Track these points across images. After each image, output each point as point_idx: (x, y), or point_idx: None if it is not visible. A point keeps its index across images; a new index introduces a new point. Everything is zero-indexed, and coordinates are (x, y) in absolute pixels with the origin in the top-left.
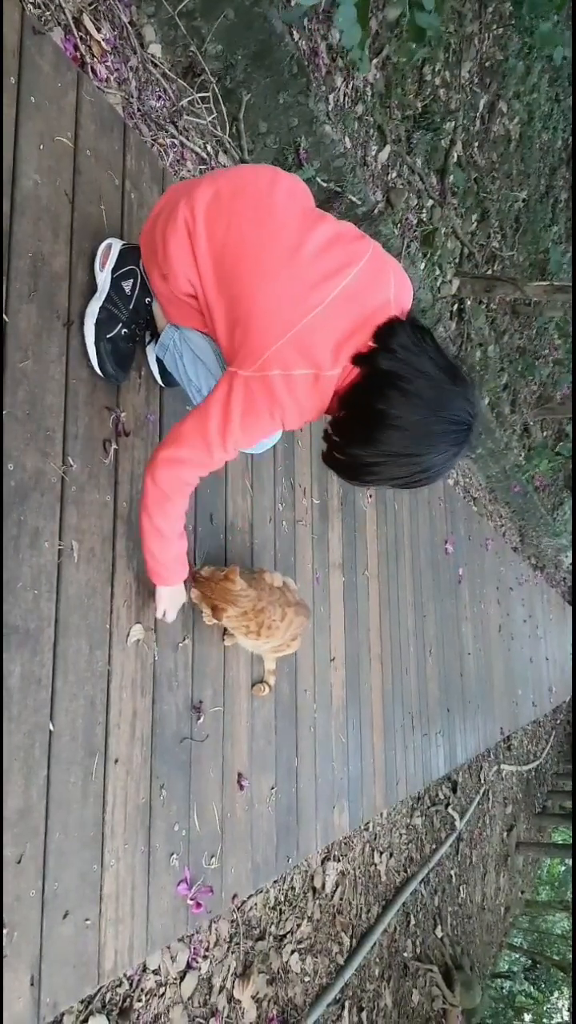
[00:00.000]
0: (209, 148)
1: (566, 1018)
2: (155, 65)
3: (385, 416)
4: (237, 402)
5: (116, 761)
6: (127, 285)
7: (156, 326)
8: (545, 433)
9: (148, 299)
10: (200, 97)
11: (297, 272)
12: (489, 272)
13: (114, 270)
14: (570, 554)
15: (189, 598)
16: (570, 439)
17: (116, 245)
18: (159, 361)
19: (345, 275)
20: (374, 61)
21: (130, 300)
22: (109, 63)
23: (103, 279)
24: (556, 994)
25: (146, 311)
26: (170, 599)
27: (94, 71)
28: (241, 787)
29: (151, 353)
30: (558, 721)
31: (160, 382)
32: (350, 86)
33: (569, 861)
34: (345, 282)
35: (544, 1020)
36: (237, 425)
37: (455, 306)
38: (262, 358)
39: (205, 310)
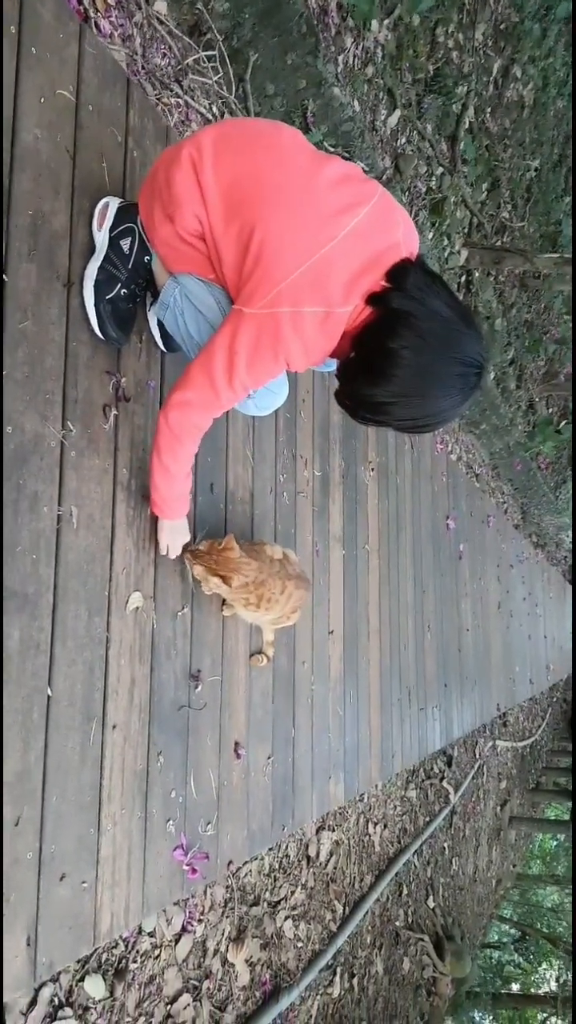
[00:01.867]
0: (215, 109)
1: (553, 988)
2: (160, 22)
3: (397, 355)
4: (242, 342)
5: (114, 727)
6: (125, 244)
7: (156, 286)
8: (550, 410)
9: (147, 257)
10: (206, 56)
11: (312, 203)
12: (498, 243)
13: (111, 228)
14: (572, 533)
15: (192, 574)
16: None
17: (113, 204)
18: (160, 325)
19: (357, 212)
20: (385, 21)
21: (129, 259)
22: (113, 18)
23: (101, 239)
24: (544, 965)
25: (145, 270)
26: (171, 533)
27: (98, 26)
28: (238, 756)
29: (152, 317)
30: (554, 699)
31: (161, 347)
32: (360, 47)
33: (561, 836)
34: (357, 219)
35: (532, 989)
36: (243, 365)
37: (463, 277)
38: (273, 292)
39: (212, 246)
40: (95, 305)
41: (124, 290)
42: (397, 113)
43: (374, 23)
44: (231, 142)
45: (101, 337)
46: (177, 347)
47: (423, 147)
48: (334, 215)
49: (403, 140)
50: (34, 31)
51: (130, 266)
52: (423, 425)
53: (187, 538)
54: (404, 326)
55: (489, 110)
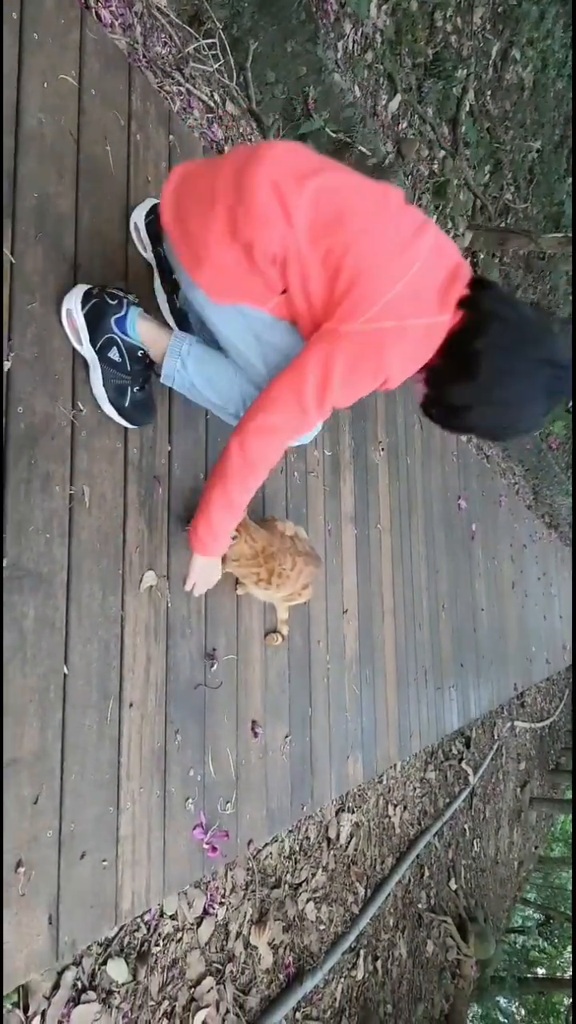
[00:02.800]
0: (216, 97)
1: None
2: (160, 12)
3: (485, 354)
4: (341, 360)
5: (131, 705)
6: (114, 354)
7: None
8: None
9: (140, 351)
10: (206, 44)
11: (392, 223)
12: (502, 224)
13: (93, 343)
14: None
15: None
16: None
17: (76, 310)
18: (169, 303)
19: (428, 232)
20: (383, 7)
21: (124, 364)
22: (113, 7)
23: (88, 354)
24: (568, 948)
25: (140, 360)
26: (204, 572)
27: (98, 16)
28: (255, 735)
29: (160, 296)
30: (572, 679)
31: (174, 326)
32: (359, 33)
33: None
34: (430, 238)
35: (557, 974)
36: (338, 383)
37: (468, 259)
38: (377, 306)
39: (295, 265)
40: (120, 414)
41: (135, 387)
42: (398, 98)
43: (372, 8)
44: (300, 162)
45: (136, 427)
46: (191, 329)
47: (424, 131)
48: (414, 234)
49: (404, 124)
50: (36, 16)
51: (129, 369)
52: (510, 430)
53: (218, 577)
54: (494, 325)
55: (489, 93)
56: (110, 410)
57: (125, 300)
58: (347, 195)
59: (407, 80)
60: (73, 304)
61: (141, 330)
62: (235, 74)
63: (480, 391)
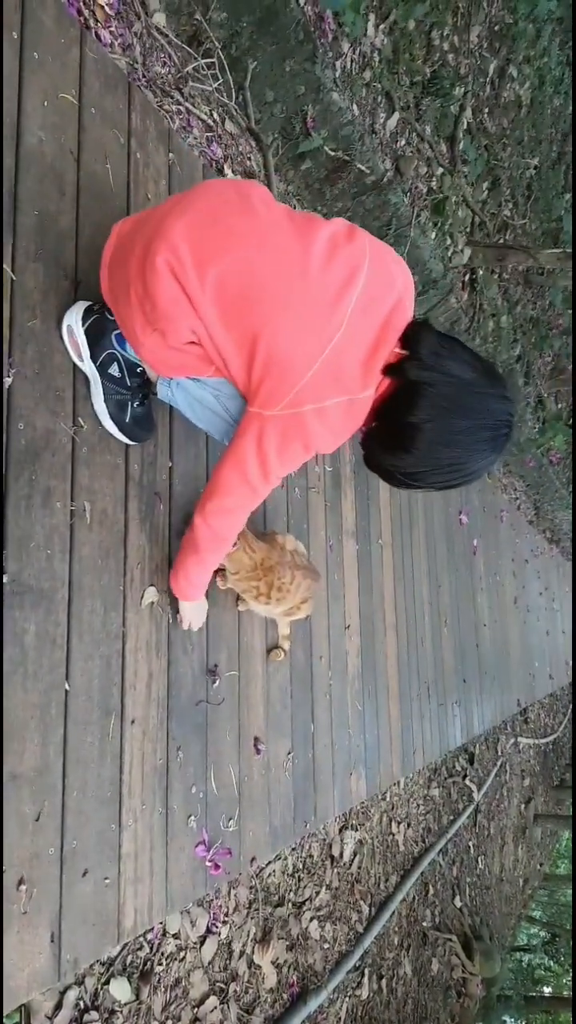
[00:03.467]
0: (215, 115)
1: None
2: (160, 33)
3: (417, 429)
4: (270, 442)
5: (133, 722)
6: (115, 370)
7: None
8: (560, 405)
9: (140, 367)
10: (205, 64)
11: (310, 292)
12: (501, 241)
13: (94, 359)
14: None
15: None
16: None
17: (76, 327)
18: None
19: (356, 283)
20: (381, 26)
21: (124, 380)
22: (113, 28)
23: (88, 370)
24: None
25: (140, 375)
26: (194, 611)
27: (98, 36)
28: (258, 751)
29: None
30: (573, 695)
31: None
32: (357, 52)
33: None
34: (358, 292)
35: (564, 992)
36: (275, 463)
37: (467, 276)
38: (291, 394)
39: (212, 351)
40: (120, 430)
41: (135, 403)
42: (396, 116)
43: (370, 28)
44: (206, 239)
45: (137, 444)
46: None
47: (423, 148)
48: (335, 299)
49: (403, 142)
50: (36, 36)
51: (129, 384)
52: (458, 484)
53: (206, 607)
54: (423, 398)
55: (487, 110)
56: (111, 426)
57: None
58: (257, 272)
59: (405, 98)
60: (74, 320)
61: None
62: (234, 93)
63: (416, 461)
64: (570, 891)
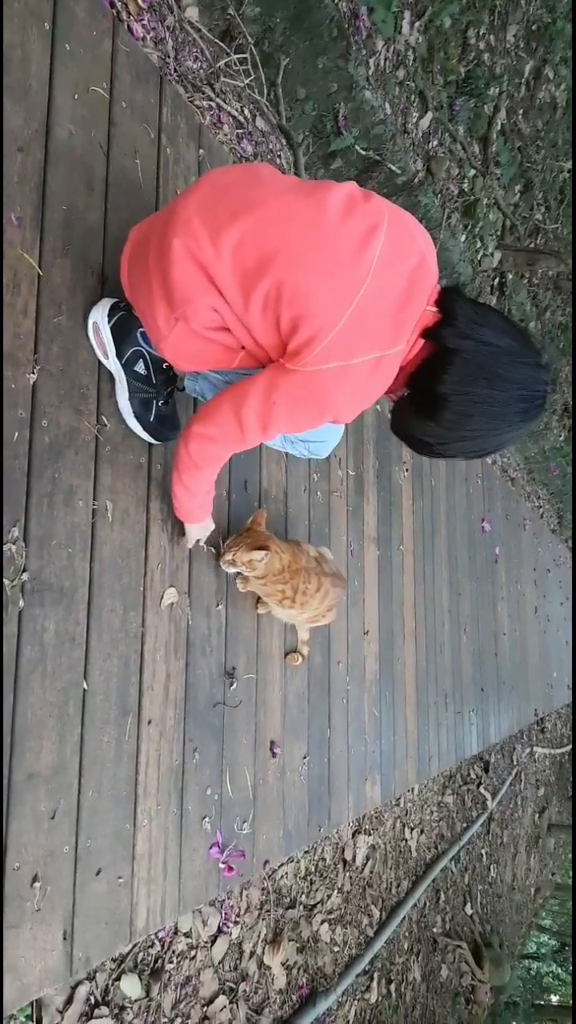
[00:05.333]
0: (247, 112)
1: None
2: (192, 27)
3: (448, 399)
4: (284, 395)
5: (150, 722)
6: (140, 367)
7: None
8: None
9: (166, 364)
10: (238, 59)
11: (330, 243)
12: (532, 245)
13: (119, 356)
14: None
15: (232, 568)
16: None
17: (103, 323)
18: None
19: (377, 236)
20: (416, 24)
21: (150, 378)
22: (145, 22)
23: (114, 368)
24: None
25: (165, 372)
26: (199, 531)
27: (130, 29)
28: (274, 755)
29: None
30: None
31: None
32: (391, 50)
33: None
34: (380, 244)
35: (571, 1001)
36: (282, 416)
37: (496, 280)
38: (318, 348)
39: (237, 325)
40: (145, 429)
41: (160, 402)
42: (429, 115)
43: (404, 26)
44: (218, 211)
45: (161, 444)
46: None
47: (455, 149)
48: (357, 249)
49: (435, 142)
50: (68, 28)
51: (154, 382)
52: (488, 452)
53: (212, 527)
54: (456, 367)
55: (521, 111)
56: (135, 424)
57: None
58: (272, 232)
59: (438, 98)
60: (100, 317)
61: None
62: (266, 90)
63: (444, 431)
64: None
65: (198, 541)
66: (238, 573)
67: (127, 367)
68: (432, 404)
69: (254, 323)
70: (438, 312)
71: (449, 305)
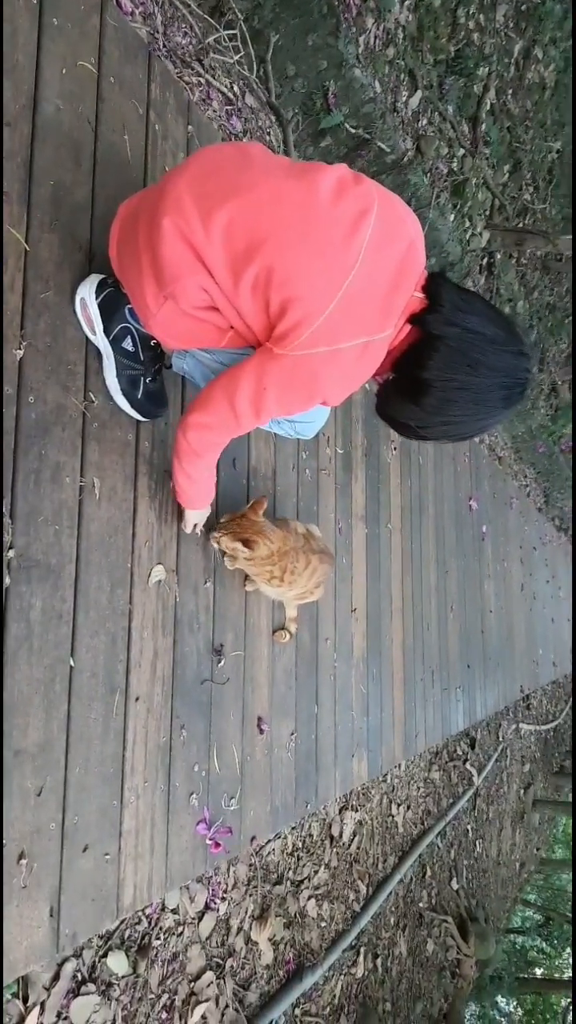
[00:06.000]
0: (236, 88)
1: None
2: (181, 2)
3: (432, 385)
4: (273, 380)
5: (137, 699)
6: (128, 343)
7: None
8: (573, 393)
9: (153, 340)
10: (227, 35)
11: (321, 227)
12: (520, 225)
13: (107, 333)
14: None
15: (218, 547)
16: None
17: (90, 299)
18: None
19: (367, 220)
20: (406, 2)
21: (138, 354)
22: None
23: (102, 345)
24: (567, 950)
25: (152, 349)
26: (197, 516)
27: (119, 3)
28: (261, 731)
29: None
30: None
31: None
32: (381, 28)
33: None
34: (370, 228)
35: (556, 975)
36: (272, 400)
37: (484, 260)
38: (307, 333)
39: (226, 306)
40: (132, 406)
41: (148, 378)
42: (418, 94)
43: (395, 4)
44: (209, 191)
45: (148, 420)
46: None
47: (444, 128)
48: (347, 234)
49: (424, 121)
50: (56, 2)
51: (142, 359)
52: (467, 437)
53: (208, 513)
54: (440, 354)
55: (511, 91)
56: (122, 401)
57: None
58: (262, 215)
59: (428, 77)
60: (87, 293)
61: None
62: (255, 66)
63: (427, 415)
64: (565, 875)
65: (196, 526)
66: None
67: (115, 344)
68: (415, 389)
69: (243, 305)
70: (425, 298)
71: (436, 291)
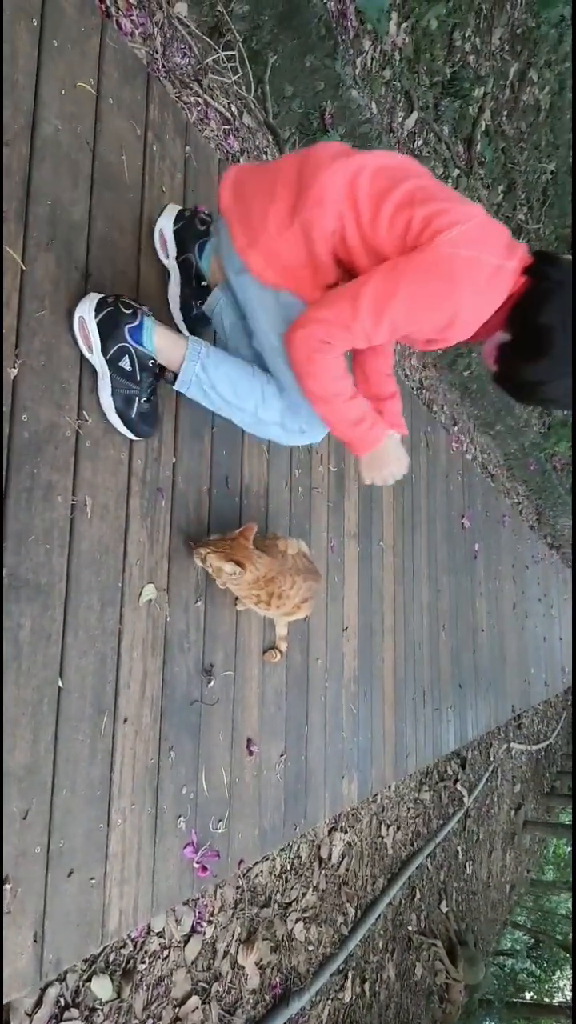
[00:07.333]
0: (234, 108)
1: (567, 997)
2: (181, 23)
3: (554, 330)
4: (407, 278)
5: (125, 720)
6: (125, 363)
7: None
8: (565, 412)
9: (151, 360)
10: (226, 56)
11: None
12: None
13: (104, 352)
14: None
15: (203, 565)
16: None
17: (89, 317)
18: (182, 310)
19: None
20: (403, 25)
21: (135, 374)
22: (134, 17)
23: (98, 363)
24: (557, 973)
25: (151, 369)
26: (371, 465)
27: (119, 24)
28: (250, 752)
29: (174, 302)
30: (569, 702)
31: (185, 332)
32: (378, 50)
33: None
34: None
35: (545, 999)
36: (400, 301)
37: None
38: (455, 231)
39: (356, 243)
40: (125, 425)
41: (143, 399)
42: (414, 115)
43: (392, 26)
44: (354, 153)
45: (140, 439)
46: (202, 328)
47: (440, 149)
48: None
49: (420, 142)
50: (56, 23)
51: (138, 379)
52: None
53: (398, 463)
54: (559, 297)
55: (505, 113)
56: (116, 420)
57: (140, 311)
58: (404, 165)
59: (424, 98)
60: (87, 312)
61: (158, 337)
62: (253, 87)
63: (554, 366)
64: (556, 897)
65: (376, 480)
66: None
67: (111, 363)
68: (539, 339)
69: (381, 231)
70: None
71: (545, 255)
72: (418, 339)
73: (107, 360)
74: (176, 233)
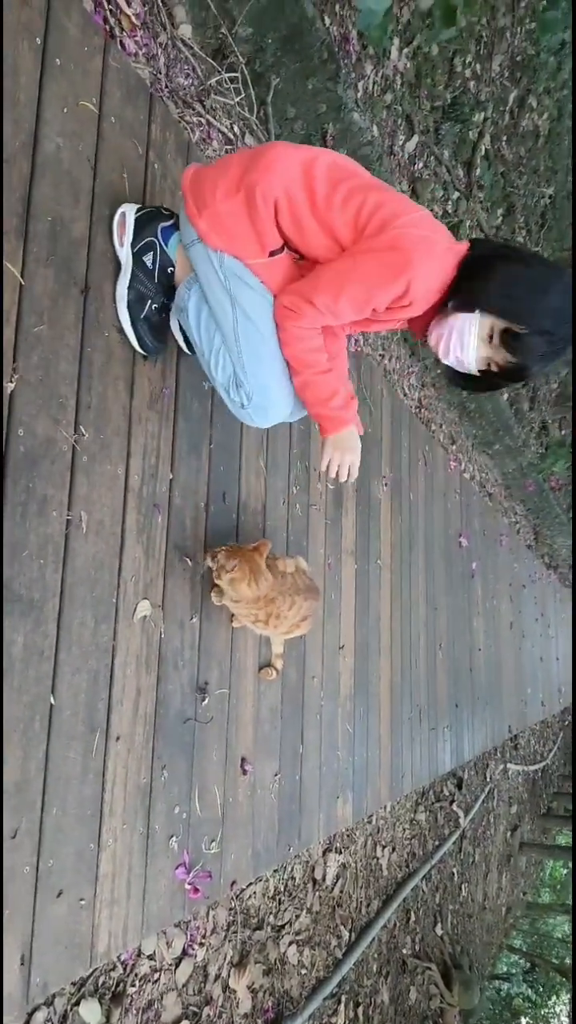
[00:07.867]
0: (236, 129)
1: (564, 1023)
2: (185, 44)
3: (501, 260)
4: (368, 251)
5: (118, 739)
6: (148, 259)
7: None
8: (563, 432)
9: (171, 268)
10: (229, 78)
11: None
12: None
13: (133, 244)
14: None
15: (212, 563)
16: None
17: (130, 214)
18: (182, 329)
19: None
20: (404, 50)
21: (154, 273)
22: (138, 38)
23: (124, 256)
24: (554, 998)
25: (168, 279)
26: (333, 447)
27: (122, 44)
28: (244, 772)
29: (174, 321)
30: (566, 722)
31: (186, 350)
32: (380, 74)
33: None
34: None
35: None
36: (362, 272)
37: None
38: (405, 218)
39: (307, 218)
40: (132, 325)
41: (155, 304)
42: (415, 138)
43: (393, 52)
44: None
45: (142, 352)
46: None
47: (440, 172)
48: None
49: (420, 165)
50: (59, 43)
51: (156, 280)
52: (527, 313)
53: (357, 457)
54: (502, 250)
55: (505, 138)
56: (124, 315)
57: (176, 221)
58: (358, 167)
59: (425, 122)
60: (129, 209)
61: (179, 252)
62: (256, 108)
63: (498, 283)
64: (552, 920)
65: (330, 468)
66: (215, 585)
67: (136, 256)
68: (484, 268)
69: (334, 212)
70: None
71: (479, 240)
72: (380, 312)
73: (133, 253)
74: (137, 221)
